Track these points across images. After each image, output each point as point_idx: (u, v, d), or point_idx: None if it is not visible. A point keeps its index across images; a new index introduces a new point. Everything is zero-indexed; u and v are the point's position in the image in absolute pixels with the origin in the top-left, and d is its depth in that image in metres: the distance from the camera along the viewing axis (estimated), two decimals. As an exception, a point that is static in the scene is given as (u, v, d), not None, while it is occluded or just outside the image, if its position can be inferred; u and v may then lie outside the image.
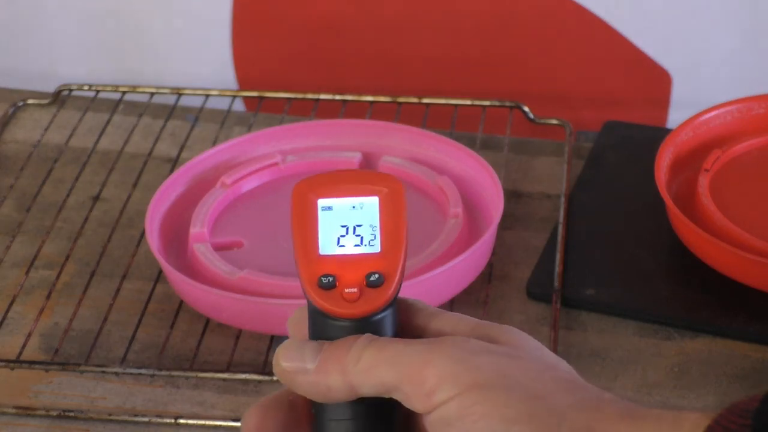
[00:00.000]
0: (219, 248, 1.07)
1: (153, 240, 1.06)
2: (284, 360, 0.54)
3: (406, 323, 0.57)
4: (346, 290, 0.55)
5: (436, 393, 0.52)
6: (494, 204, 1.09)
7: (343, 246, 0.56)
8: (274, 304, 0.99)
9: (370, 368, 0.53)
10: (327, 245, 0.56)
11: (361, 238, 0.56)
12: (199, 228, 1.08)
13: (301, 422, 0.56)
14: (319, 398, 0.54)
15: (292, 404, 0.56)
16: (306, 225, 0.57)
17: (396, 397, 0.53)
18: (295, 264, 0.57)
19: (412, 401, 0.53)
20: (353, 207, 0.56)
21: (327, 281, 0.55)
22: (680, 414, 0.53)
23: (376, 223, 0.56)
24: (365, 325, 0.55)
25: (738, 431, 0.52)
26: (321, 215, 0.57)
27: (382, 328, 0.55)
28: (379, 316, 0.55)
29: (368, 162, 1.17)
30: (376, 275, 0.55)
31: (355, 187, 0.57)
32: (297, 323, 0.57)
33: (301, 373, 0.54)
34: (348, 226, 0.56)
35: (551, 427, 0.52)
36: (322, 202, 0.57)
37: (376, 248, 0.55)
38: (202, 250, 1.06)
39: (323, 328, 0.55)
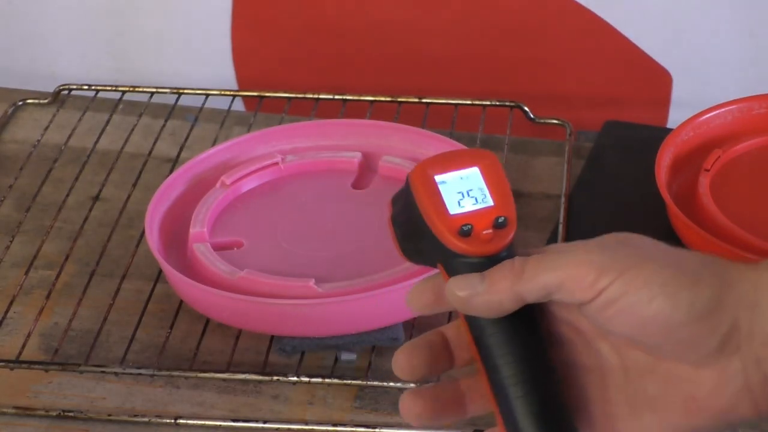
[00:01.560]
0: (219, 248, 1.07)
1: (153, 240, 1.06)
2: (458, 290, 0.66)
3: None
4: (484, 232, 0.67)
5: (599, 281, 0.63)
6: None
7: (463, 207, 0.67)
8: (274, 304, 0.99)
9: (534, 277, 0.65)
10: (453, 207, 0.67)
11: (476, 198, 0.68)
12: (198, 228, 1.08)
13: (439, 359, 0.69)
14: (492, 313, 0.66)
15: (431, 344, 0.69)
16: (432, 196, 0.68)
17: (558, 296, 0.65)
18: (428, 230, 0.68)
19: (575, 295, 0.64)
20: (461, 178, 0.68)
21: (467, 229, 0.67)
22: None
23: (483, 185, 0.68)
24: (498, 260, 0.67)
25: None
26: (441, 187, 0.68)
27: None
28: (507, 252, 0.68)
29: (368, 162, 1.17)
30: (503, 218, 0.68)
31: (459, 162, 0.69)
32: (421, 294, 0.69)
33: (475, 296, 0.65)
34: (462, 191, 0.68)
35: (698, 277, 0.63)
36: (438, 178, 0.68)
37: (490, 202, 0.68)
38: (201, 250, 1.06)
39: (465, 269, 0.67)
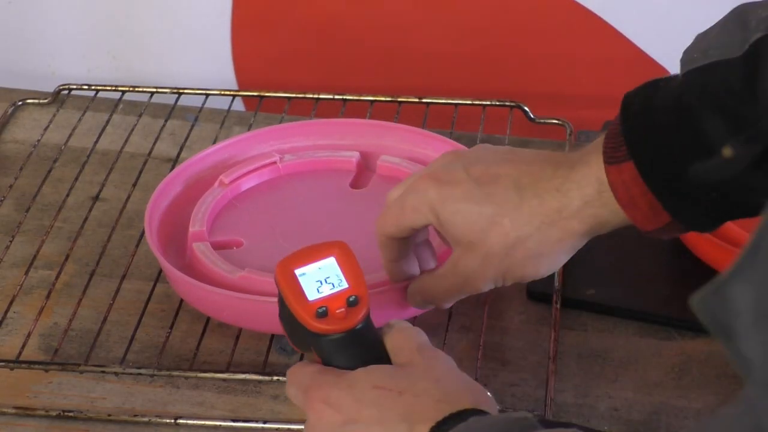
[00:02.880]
0: (218, 247, 1.07)
1: (152, 239, 1.05)
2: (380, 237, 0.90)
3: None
4: (337, 311, 0.79)
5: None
6: None
7: (321, 292, 0.80)
8: (275, 303, 0.99)
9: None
10: (312, 294, 0.80)
11: (332, 284, 0.81)
12: (198, 227, 1.08)
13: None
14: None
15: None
16: (293, 288, 0.81)
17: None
18: (294, 318, 0.81)
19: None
20: (320, 268, 0.81)
21: (322, 311, 0.80)
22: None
23: (339, 272, 0.81)
24: (354, 334, 0.80)
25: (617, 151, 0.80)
26: (300, 279, 0.81)
27: (366, 334, 0.81)
28: (364, 324, 0.80)
29: (366, 161, 1.16)
30: (353, 297, 0.80)
31: (317, 255, 0.82)
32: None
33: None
34: (321, 279, 0.81)
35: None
36: (298, 271, 0.81)
37: (345, 285, 0.81)
38: (201, 249, 1.05)
39: (330, 346, 0.80)
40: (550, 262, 0.85)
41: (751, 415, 0.49)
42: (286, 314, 0.82)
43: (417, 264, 0.93)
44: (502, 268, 0.85)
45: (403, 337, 0.81)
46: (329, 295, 0.80)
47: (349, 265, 0.81)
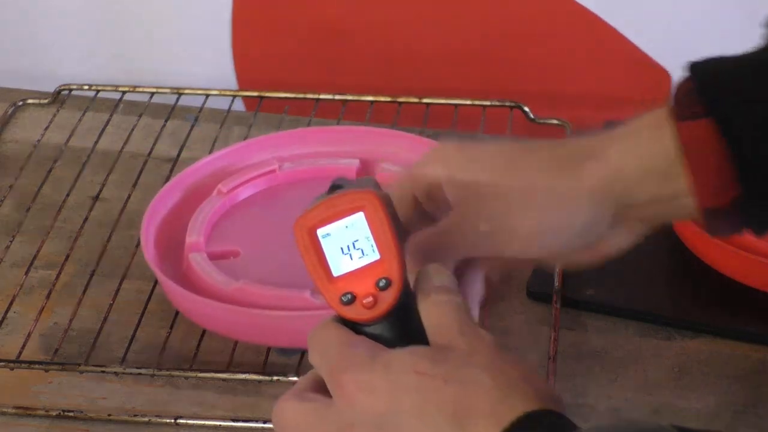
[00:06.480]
0: (215, 257, 1.06)
1: (148, 249, 1.05)
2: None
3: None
4: (364, 300, 0.66)
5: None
6: None
7: (348, 264, 0.66)
8: (269, 316, 0.98)
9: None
10: (337, 267, 0.66)
11: (361, 250, 0.66)
12: (195, 237, 1.07)
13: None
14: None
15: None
16: (315, 257, 0.66)
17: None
18: (317, 289, 0.67)
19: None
20: (346, 226, 0.66)
21: (347, 299, 0.66)
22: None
23: (369, 233, 0.66)
24: (387, 320, 0.66)
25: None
26: (323, 243, 0.66)
27: (400, 318, 0.66)
28: (396, 306, 0.66)
29: (366, 169, 1.16)
30: (384, 280, 0.66)
31: (342, 209, 0.66)
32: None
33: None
34: (348, 244, 0.66)
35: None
36: (320, 231, 0.66)
37: (377, 255, 0.66)
38: (197, 260, 1.05)
39: (355, 329, 0.67)
40: (556, 226, 0.75)
41: None
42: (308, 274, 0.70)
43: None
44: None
45: (442, 313, 0.67)
46: (357, 269, 0.66)
47: (380, 223, 0.66)
